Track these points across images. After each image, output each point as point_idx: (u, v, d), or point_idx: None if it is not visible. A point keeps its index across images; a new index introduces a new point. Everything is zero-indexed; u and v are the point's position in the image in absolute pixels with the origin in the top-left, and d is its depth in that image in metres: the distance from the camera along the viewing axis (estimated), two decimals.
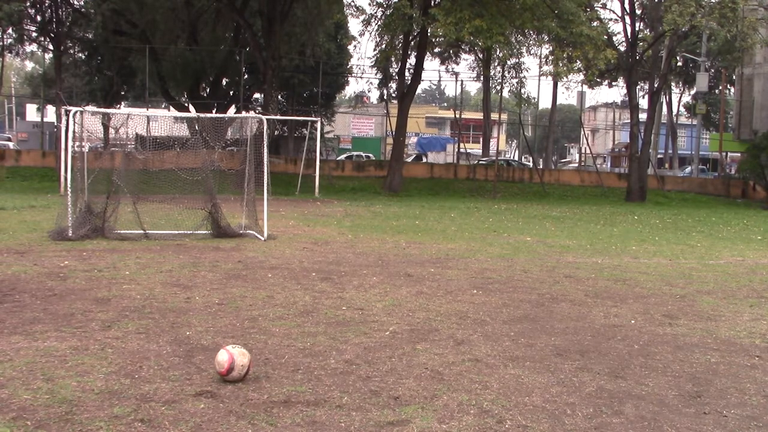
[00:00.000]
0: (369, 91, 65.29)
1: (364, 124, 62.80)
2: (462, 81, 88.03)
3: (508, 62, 35.87)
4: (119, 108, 34.91)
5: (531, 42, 33.93)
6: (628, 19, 30.35)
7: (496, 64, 39.91)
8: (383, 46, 29.64)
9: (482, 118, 47.41)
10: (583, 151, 51.41)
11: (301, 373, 5.08)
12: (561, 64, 26.97)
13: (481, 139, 49.42)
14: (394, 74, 36.26)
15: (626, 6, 30.27)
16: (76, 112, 12.38)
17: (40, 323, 6.18)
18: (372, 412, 4.40)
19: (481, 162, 40.18)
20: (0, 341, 5.59)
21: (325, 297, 7.69)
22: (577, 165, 51.72)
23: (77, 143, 12.43)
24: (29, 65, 61.29)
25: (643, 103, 42.27)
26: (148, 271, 8.97)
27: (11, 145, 44.16)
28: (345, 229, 14.70)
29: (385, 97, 44.13)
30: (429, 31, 26.63)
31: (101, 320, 6.36)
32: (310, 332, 6.19)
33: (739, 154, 40.17)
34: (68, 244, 11.01)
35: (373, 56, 44.33)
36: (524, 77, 58.64)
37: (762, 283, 9.69)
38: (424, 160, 47.74)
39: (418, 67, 29.52)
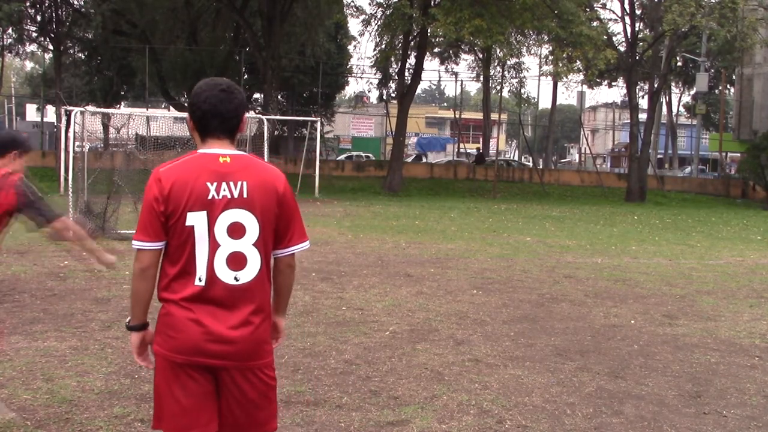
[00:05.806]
0: (369, 91, 65.15)
1: (363, 124, 62.71)
2: (462, 81, 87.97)
3: (508, 62, 35.87)
4: (119, 108, 34.91)
5: (531, 42, 33.89)
6: (628, 19, 30.32)
7: (496, 64, 39.86)
8: (383, 46, 29.62)
9: (482, 118, 47.37)
10: (582, 151, 51.35)
11: (301, 373, 5.08)
12: (561, 64, 26.95)
13: (480, 139, 49.37)
14: (394, 74, 36.24)
15: (626, 6, 30.26)
16: (76, 112, 12.39)
17: (40, 323, 6.18)
18: (372, 412, 4.40)
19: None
20: (0, 341, 5.59)
21: (325, 297, 7.69)
22: (577, 166, 51.70)
23: (78, 143, 12.43)
24: (29, 65, 61.23)
25: (643, 103, 42.23)
26: None
27: None
28: (345, 229, 14.70)
29: (384, 97, 44.09)
30: (429, 31, 26.60)
31: (101, 320, 6.36)
32: (310, 332, 6.18)
33: (739, 154, 40.13)
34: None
35: (373, 56, 44.27)
36: (524, 77, 58.59)
37: (762, 283, 9.69)
38: (424, 160, 47.70)
39: (418, 67, 29.49)
